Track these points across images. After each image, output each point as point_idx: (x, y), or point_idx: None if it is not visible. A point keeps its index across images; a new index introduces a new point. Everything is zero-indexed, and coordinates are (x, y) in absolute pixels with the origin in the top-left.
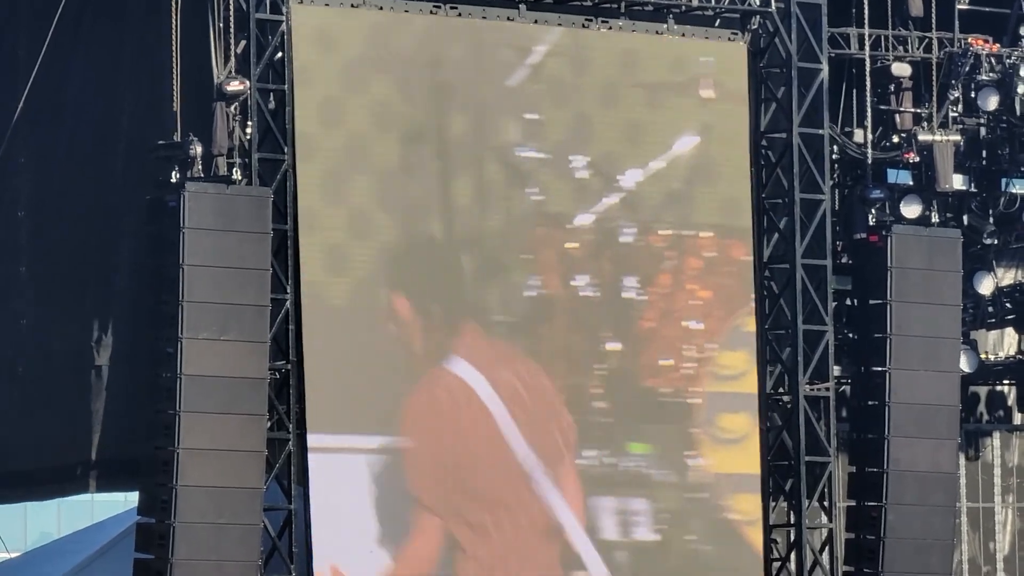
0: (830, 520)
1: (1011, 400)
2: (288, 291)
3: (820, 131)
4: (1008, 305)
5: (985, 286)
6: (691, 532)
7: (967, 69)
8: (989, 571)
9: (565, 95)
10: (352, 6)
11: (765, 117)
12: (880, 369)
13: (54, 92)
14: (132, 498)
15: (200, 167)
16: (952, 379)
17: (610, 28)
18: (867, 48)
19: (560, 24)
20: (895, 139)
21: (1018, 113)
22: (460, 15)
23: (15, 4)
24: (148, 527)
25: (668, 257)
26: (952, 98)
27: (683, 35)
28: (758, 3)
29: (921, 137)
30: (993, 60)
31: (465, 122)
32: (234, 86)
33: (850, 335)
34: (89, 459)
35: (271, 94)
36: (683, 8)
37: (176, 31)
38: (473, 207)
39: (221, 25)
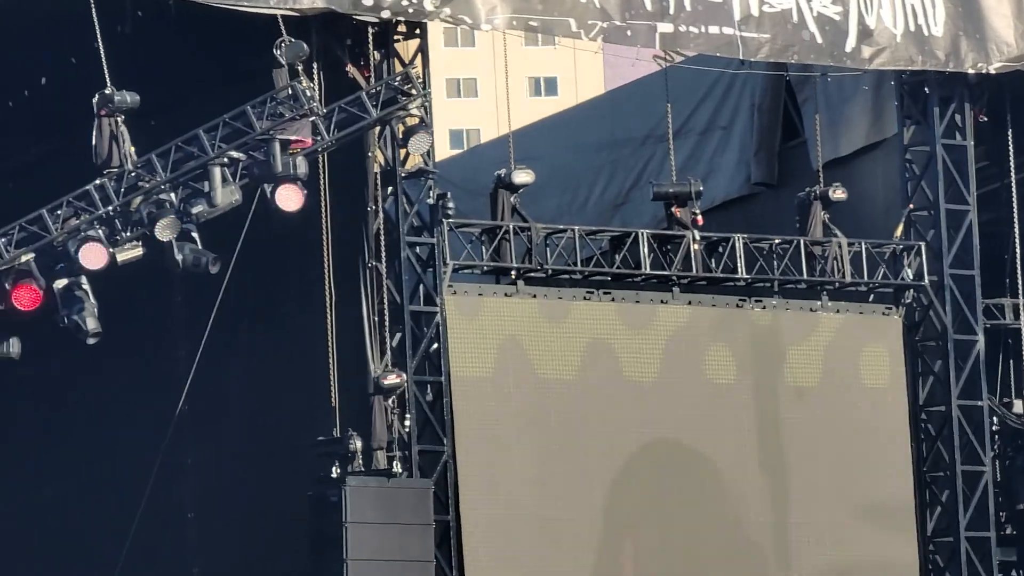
0: None
1: None
2: None
3: (979, 403)
4: None
5: None
6: None
7: None
8: None
9: None
10: (506, 295)
11: (923, 390)
12: None
13: (215, 394)
14: None
15: (360, 461)
16: None
17: (764, 307)
18: (1022, 318)
19: (715, 305)
20: None
21: None
22: (613, 300)
23: (169, 306)
24: None
25: None
26: None
27: (837, 311)
28: (911, 277)
29: None
30: None
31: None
32: (391, 380)
33: None
34: None
35: (428, 386)
36: (836, 285)
37: (332, 327)
38: (628, 481)
39: (376, 319)
